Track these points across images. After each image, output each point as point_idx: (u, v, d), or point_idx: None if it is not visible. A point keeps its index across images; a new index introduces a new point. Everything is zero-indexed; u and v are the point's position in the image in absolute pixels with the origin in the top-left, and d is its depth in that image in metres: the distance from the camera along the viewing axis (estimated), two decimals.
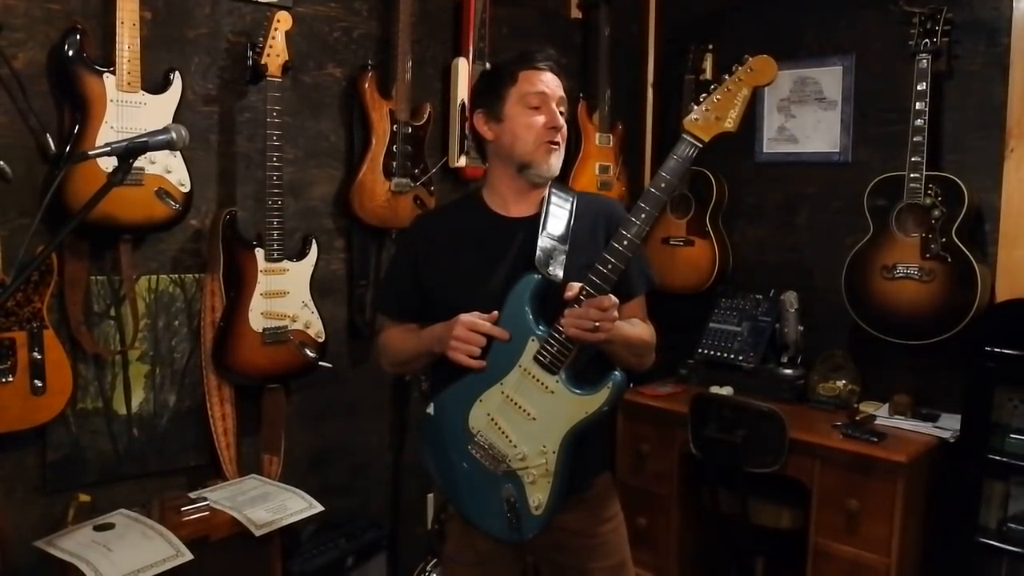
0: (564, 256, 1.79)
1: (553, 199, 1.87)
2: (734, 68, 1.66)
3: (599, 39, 3.50)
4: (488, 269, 1.83)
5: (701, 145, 1.67)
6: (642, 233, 1.68)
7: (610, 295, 1.68)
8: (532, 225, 1.84)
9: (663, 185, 1.67)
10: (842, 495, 2.72)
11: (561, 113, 1.85)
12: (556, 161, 1.84)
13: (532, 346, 1.74)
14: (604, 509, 1.95)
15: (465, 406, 1.81)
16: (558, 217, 1.85)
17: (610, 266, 1.67)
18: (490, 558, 1.90)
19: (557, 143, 1.83)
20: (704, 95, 1.67)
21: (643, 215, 1.67)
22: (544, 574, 2.01)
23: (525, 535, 1.79)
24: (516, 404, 1.76)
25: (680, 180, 1.70)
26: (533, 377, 1.74)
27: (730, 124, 1.66)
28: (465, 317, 1.76)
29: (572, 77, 3.59)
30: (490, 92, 1.87)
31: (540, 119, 1.81)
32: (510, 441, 1.77)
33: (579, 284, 1.69)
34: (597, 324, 1.67)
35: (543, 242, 1.79)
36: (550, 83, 1.84)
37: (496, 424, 1.78)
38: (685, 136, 1.67)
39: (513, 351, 1.76)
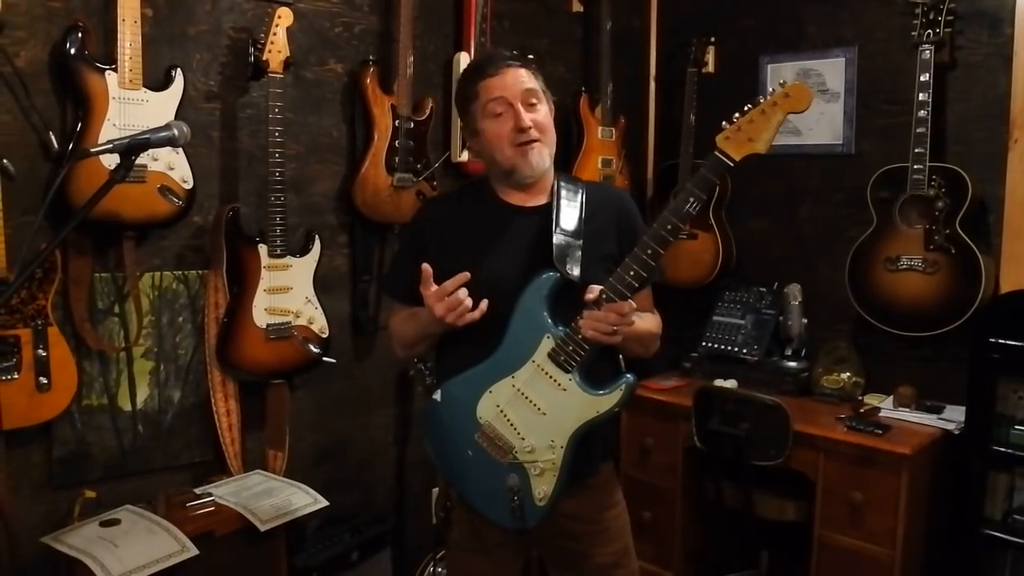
0: (579, 252, 1.80)
1: (563, 191, 1.87)
2: (772, 90, 1.66)
3: (600, 32, 3.49)
4: (499, 258, 1.83)
5: (732, 164, 1.66)
6: (667, 244, 1.69)
7: (630, 300, 1.70)
8: (542, 216, 1.85)
9: (691, 199, 1.68)
10: (846, 487, 2.72)
11: (533, 104, 1.83)
12: (537, 158, 1.82)
13: (547, 343, 1.75)
14: (607, 496, 1.96)
15: (474, 396, 1.82)
16: (569, 211, 1.85)
17: (632, 272, 1.69)
18: (495, 546, 1.92)
19: (530, 141, 1.81)
20: (737, 114, 1.66)
21: (669, 226, 1.68)
22: (547, 561, 2.02)
23: (528, 523, 1.81)
24: (527, 398, 1.78)
25: (708, 194, 1.70)
26: (546, 373, 1.76)
27: (762, 147, 1.65)
28: (430, 296, 1.75)
29: (573, 71, 3.60)
30: (463, 109, 1.91)
31: (507, 125, 1.81)
32: (518, 433, 1.79)
33: (599, 287, 1.70)
34: (615, 328, 1.69)
35: (557, 238, 1.80)
36: (509, 83, 1.82)
37: (505, 416, 1.79)
38: (716, 153, 1.66)
39: (528, 346, 1.77)
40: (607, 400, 1.76)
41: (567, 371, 1.74)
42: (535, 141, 1.82)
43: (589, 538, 1.92)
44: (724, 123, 1.67)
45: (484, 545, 1.92)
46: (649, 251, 1.69)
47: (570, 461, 1.77)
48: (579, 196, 1.89)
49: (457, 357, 1.85)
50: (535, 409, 1.77)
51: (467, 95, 1.88)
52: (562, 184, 1.89)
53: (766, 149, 1.66)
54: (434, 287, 1.74)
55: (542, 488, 1.79)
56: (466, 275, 1.73)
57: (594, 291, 1.70)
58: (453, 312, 1.73)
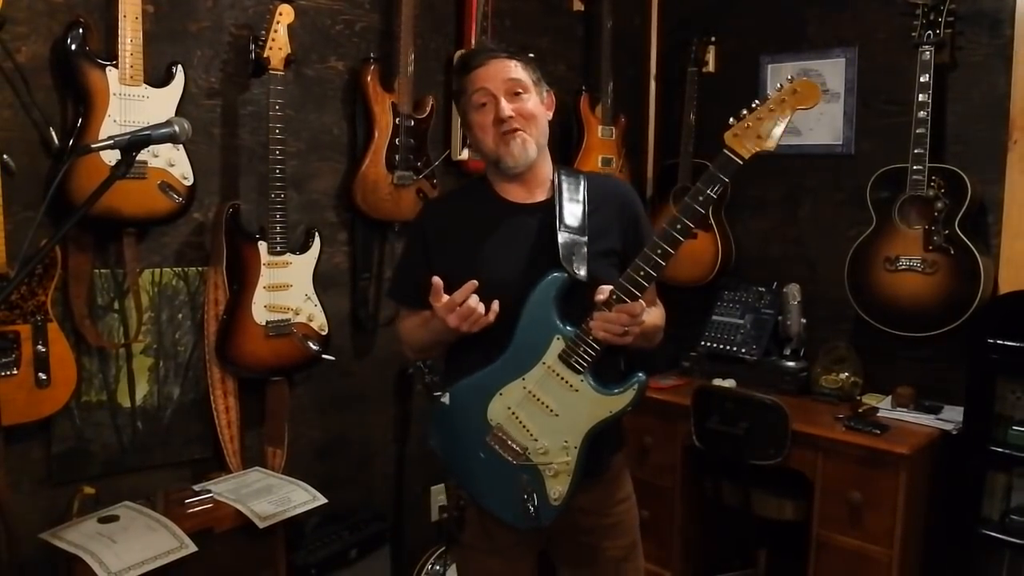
0: (585, 249, 1.79)
1: (564, 186, 1.87)
2: (780, 86, 1.64)
3: (601, 31, 3.49)
4: (503, 258, 1.82)
5: (741, 162, 1.65)
6: (678, 243, 1.68)
7: (640, 301, 1.69)
8: (545, 213, 1.84)
9: (701, 198, 1.67)
10: (845, 487, 2.72)
11: (518, 94, 1.82)
12: (519, 148, 1.81)
13: (557, 344, 1.75)
14: (618, 489, 1.97)
15: (484, 398, 1.81)
16: (572, 207, 1.84)
17: (643, 273, 1.68)
18: (508, 546, 1.91)
19: (510, 131, 1.81)
20: (745, 111, 1.65)
21: (679, 226, 1.67)
22: (556, 553, 2.02)
23: (543, 523, 1.82)
24: (538, 399, 1.77)
25: (719, 194, 1.68)
26: (557, 375, 1.76)
27: (771, 144, 1.64)
28: (441, 308, 1.72)
29: (574, 69, 3.60)
30: (457, 104, 1.92)
31: (489, 116, 1.82)
32: (531, 435, 1.79)
33: (609, 288, 1.70)
34: (627, 329, 1.69)
35: (562, 236, 1.79)
36: (491, 73, 1.82)
37: (517, 418, 1.79)
38: (725, 151, 1.65)
39: (538, 348, 1.77)
40: (620, 400, 1.76)
41: (578, 372, 1.74)
42: (517, 131, 1.81)
43: (600, 531, 1.92)
44: (731, 119, 1.65)
45: (497, 545, 1.91)
46: (659, 251, 1.68)
47: (584, 461, 1.78)
48: (581, 190, 1.88)
49: (466, 359, 1.85)
50: (547, 410, 1.77)
51: (457, 89, 1.89)
52: (563, 178, 1.88)
53: (775, 147, 1.64)
54: (445, 298, 1.72)
55: (557, 488, 1.79)
56: (474, 283, 1.71)
57: (604, 292, 1.70)
58: (467, 321, 1.72)
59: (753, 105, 1.65)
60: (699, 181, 1.68)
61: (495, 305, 1.73)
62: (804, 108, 1.65)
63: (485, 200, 1.91)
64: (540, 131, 1.86)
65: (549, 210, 1.84)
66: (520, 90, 1.83)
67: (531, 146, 1.83)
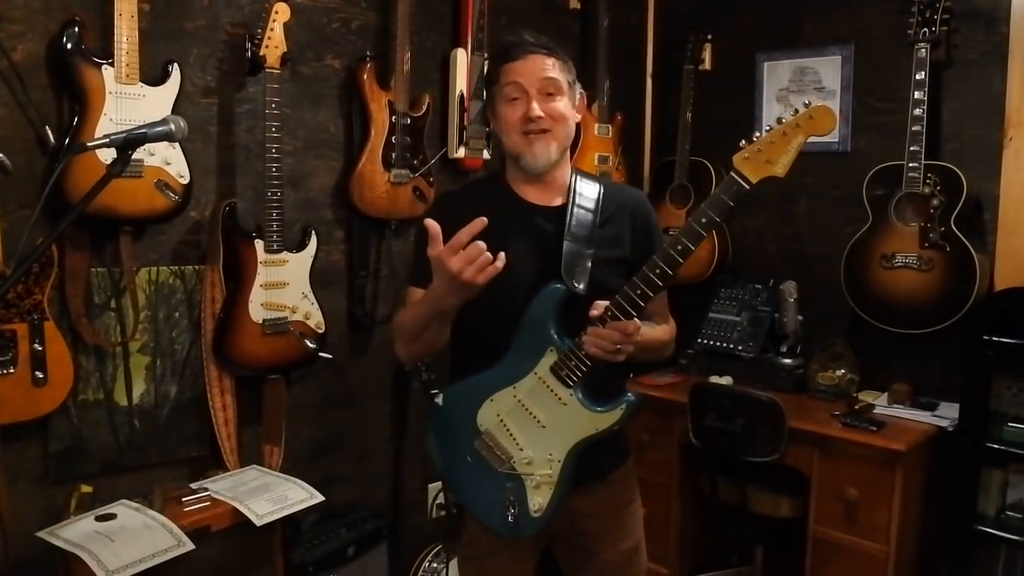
0: (589, 262, 1.77)
1: (579, 193, 1.85)
2: (796, 110, 1.60)
3: (598, 29, 3.49)
4: (514, 259, 1.75)
5: (748, 187, 1.61)
6: (677, 264, 1.65)
7: (634, 320, 1.66)
8: (558, 218, 1.82)
9: (704, 220, 1.63)
10: (841, 484, 2.73)
11: (551, 95, 1.78)
12: (541, 150, 1.78)
13: (550, 356, 1.74)
14: (623, 493, 1.97)
15: (475, 403, 1.81)
16: (583, 215, 1.82)
17: (639, 291, 1.65)
18: (507, 544, 1.90)
19: (537, 132, 1.78)
20: (757, 134, 1.60)
21: (679, 247, 1.64)
22: (559, 555, 2.01)
23: (523, 533, 1.81)
24: (527, 410, 1.77)
25: (724, 217, 1.64)
26: (547, 387, 1.75)
27: (780, 170, 1.60)
28: (443, 252, 1.58)
29: None
30: (487, 89, 1.88)
31: (518, 112, 1.78)
32: (517, 444, 1.78)
33: (605, 303, 1.67)
34: (619, 347, 1.67)
35: (568, 247, 1.77)
36: (528, 69, 1.77)
37: (505, 426, 1.79)
38: (733, 175, 1.61)
39: (531, 358, 1.75)
40: (607, 418, 1.74)
41: (568, 386, 1.73)
42: (543, 132, 1.78)
43: (603, 535, 1.92)
44: (743, 141, 1.60)
45: (496, 545, 1.89)
46: (657, 271, 1.65)
47: (567, 476, 1.77)
48: (595, 200, 1.86)
49: (472, 361, 1.82)
50: (535, 421, 1.76)
51: (491, 76, 1.85)
52: (579, 185, 1.86)
53: (784, 173, 1.60)
54: (442, 246, 1.57)
55: (538, 500, 1.78)
56: (483, 220, 1.55)
57: (599, 307, 1.67)
58: (472, 266, 1.55)
59: (766, 128, 1.60)
60: (704, 203, 1.63)
61: (502, 255, 1.60)
62: (817, 135, 1.60)
63: (502, 197, 1.88)
64: (566, 134, 1.83)
65: (562, 216, 1.82)
66: (553, 91, 1.79)
67: (554, 149, 1.80)
